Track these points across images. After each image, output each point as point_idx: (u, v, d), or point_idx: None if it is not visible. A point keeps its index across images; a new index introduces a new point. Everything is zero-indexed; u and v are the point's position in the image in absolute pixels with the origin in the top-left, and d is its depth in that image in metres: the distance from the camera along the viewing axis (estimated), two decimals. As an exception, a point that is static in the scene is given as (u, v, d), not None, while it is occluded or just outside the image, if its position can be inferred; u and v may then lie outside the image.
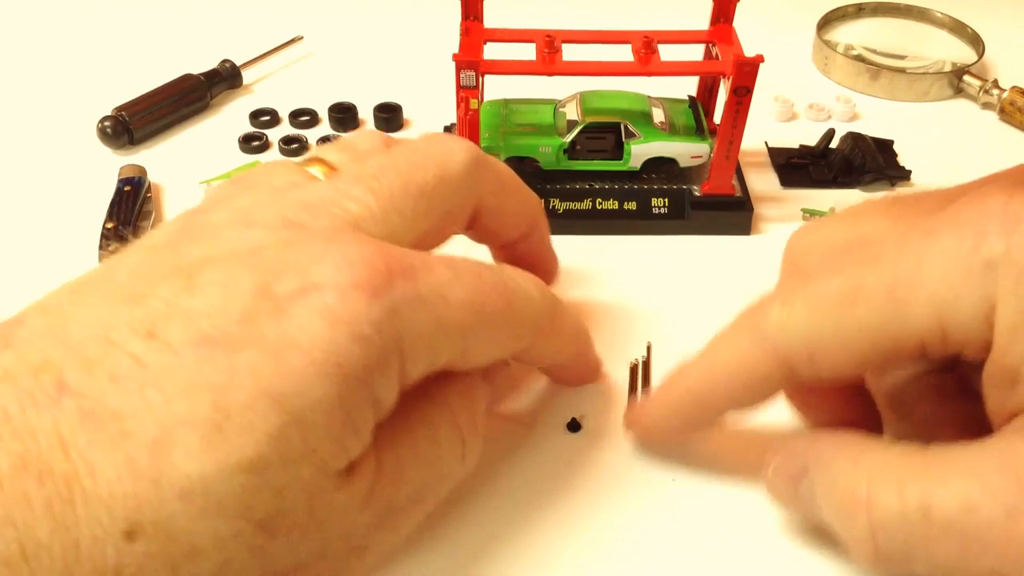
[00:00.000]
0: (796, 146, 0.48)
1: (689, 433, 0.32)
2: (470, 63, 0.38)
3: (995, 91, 0.51)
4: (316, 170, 0.28)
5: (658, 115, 0.42)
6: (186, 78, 0.50)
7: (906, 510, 0.23)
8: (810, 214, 0.43)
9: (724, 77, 0.40)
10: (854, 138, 0.47)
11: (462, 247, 0.33)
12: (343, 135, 0.27)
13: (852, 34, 0.58)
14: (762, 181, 0.46)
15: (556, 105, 0.43)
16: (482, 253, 0.35)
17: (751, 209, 0.42)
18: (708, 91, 0.45)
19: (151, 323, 0.21)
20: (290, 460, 0.21)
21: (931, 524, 0.22)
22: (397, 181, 0.27)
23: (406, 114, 0.51)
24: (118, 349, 0.21)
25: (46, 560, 0.19)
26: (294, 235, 0.24)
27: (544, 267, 0.34)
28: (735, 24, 0.41)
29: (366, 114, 0.50)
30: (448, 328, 0.24)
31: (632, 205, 0.42)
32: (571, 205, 0.42)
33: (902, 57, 0.56)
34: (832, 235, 0.28)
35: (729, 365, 0.28)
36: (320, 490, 0.22)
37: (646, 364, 0.34)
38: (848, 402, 0.29)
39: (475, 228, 0.31)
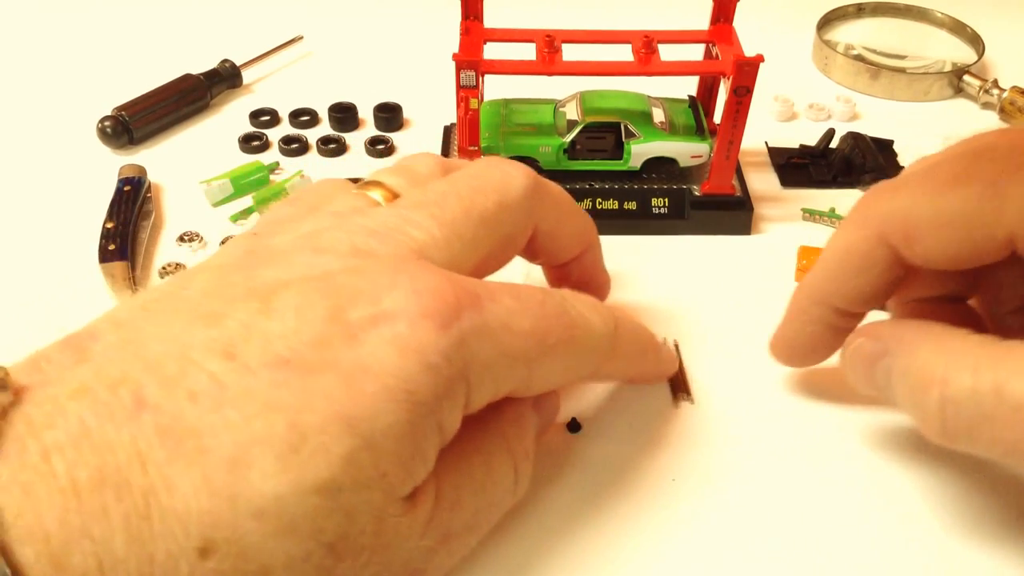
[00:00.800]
0: (796, 146, 0.48)
1: (824, 347, 0.32)
2: (470, 63, 0.38)
3: (995, 91, 0.51)
4: (376, 194, 0.28)
5: (658, 115, 0.42)
6: (186, 78, 0.50)
7: (979, 389, 0.24)
8: (810, 214, 0.43)
9: (724, 77, 0.40)
10: (854, 138, 0.47)
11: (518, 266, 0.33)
12: (401, 157, 0.28)
13: (852, 34, 0.58)
14: (762, 181, 0.46)
15: (556, 105, 0.43)
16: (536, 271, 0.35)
17: (751, 209, 0.42)
18: (708, 91, 0.45)
19: (229, 343, 0.21)
20: (361, 483, 0.21)
21: (1002, 404, 0.24)
22: (459, 208, 0.27)
23: (406, 114, 0.51)
24: (197, 368, 0.21)
25: (122, 574, 0.19)
26: (363, 263, 0.24)
27: (597, 286, 0.35)
28: (735, 24, 0.41)
29: (366, 114, 0.50)
30: (513, 357, 0.25)
31: (632, 205, 0.42)
32: (571, 205, 0.42)
33: (902, 57, 0.56)
34: (948, 150, 0.29)
35: (838, 253, 0.29)
36: (387, 515, 0.22)
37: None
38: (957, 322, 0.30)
39: (532, 250, 0.32)
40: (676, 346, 0.36)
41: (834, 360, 0.34)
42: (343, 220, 0.26)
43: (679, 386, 0.35)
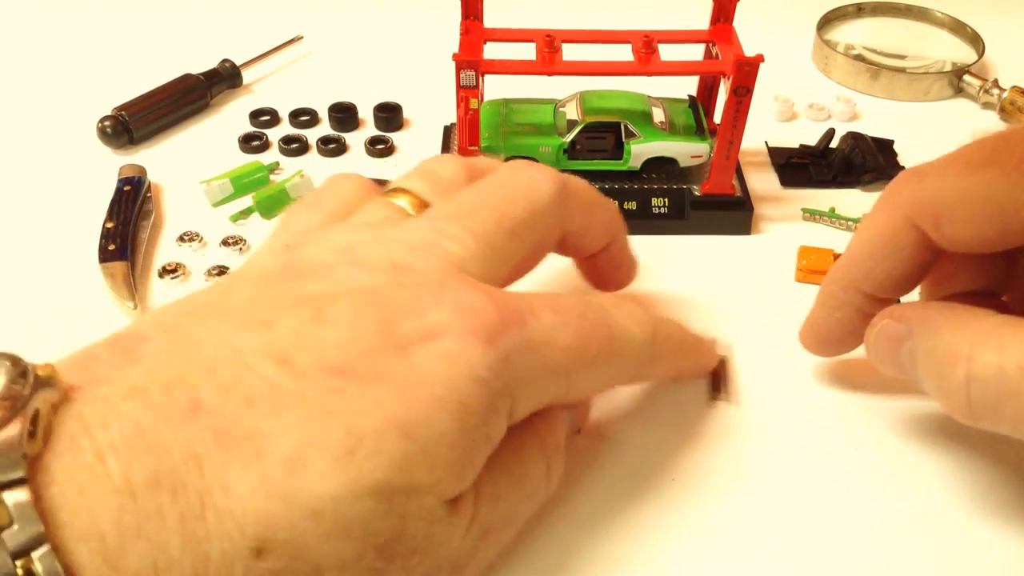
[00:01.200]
0: (796, 146, 0.48)
1: (852, 334, 0.32)
2: (470, 63, 0.38)
3: (995, 91, 0.51)
4: (403, 201, 0.28)
5: (658, 115, 0.42)
6: (186, 78, 0.50)
7: (1005, 366, 0.24)
8: (810, 214, 0.43)
9: (724, 77, 0.40)
10: (854, 138, 0.47)
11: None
12: (422, 160, 0.28)
13: (852, 34, 0.58)
14: (762, 181, 0.46)
15: (556, 105, 0.43)
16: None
17: (751, 209, 0.42)
18: (708, 91, 0.45)
19: (283, 350, 0.22)
20: (415, 488, 0.21)
21: None
22: (491, 218, 0.27)
23: (406, 114, 0.51)
24: (252, 372, 0.21)
25: (177, 574, 0.19)
26: (407, 278, 0.25)
27: (625, 271, 0.35)
28: (735, 24, 0.41)
29: (366, 114, 0.50)
30: (555, 371, 0.25)
31: (632, 205, 0.42)
32: (571, 205, 0.42)
33: (902, 57, 0.56)
34: (977, 139, 0.29)
35: (866, 238, 0.30)
36: (437, 518, 0.23)
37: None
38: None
39: (561, 247, 0.32)
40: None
41: (838, 357, 0.35)
42: (378, 232, 0.27)
43: (718, 385, 0.35)
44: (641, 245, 0.42)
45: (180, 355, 0.22)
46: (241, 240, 0.41)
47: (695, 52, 0.43)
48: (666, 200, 0.42)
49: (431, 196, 0.29)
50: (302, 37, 0.57)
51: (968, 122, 0.52)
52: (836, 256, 0.40)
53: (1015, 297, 0.31)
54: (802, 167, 0.47)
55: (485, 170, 0.30)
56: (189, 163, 0.47)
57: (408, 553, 0.22)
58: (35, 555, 0.18)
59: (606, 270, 0.34)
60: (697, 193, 0.42)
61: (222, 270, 0.40)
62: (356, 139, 0.49)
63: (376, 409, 0.21)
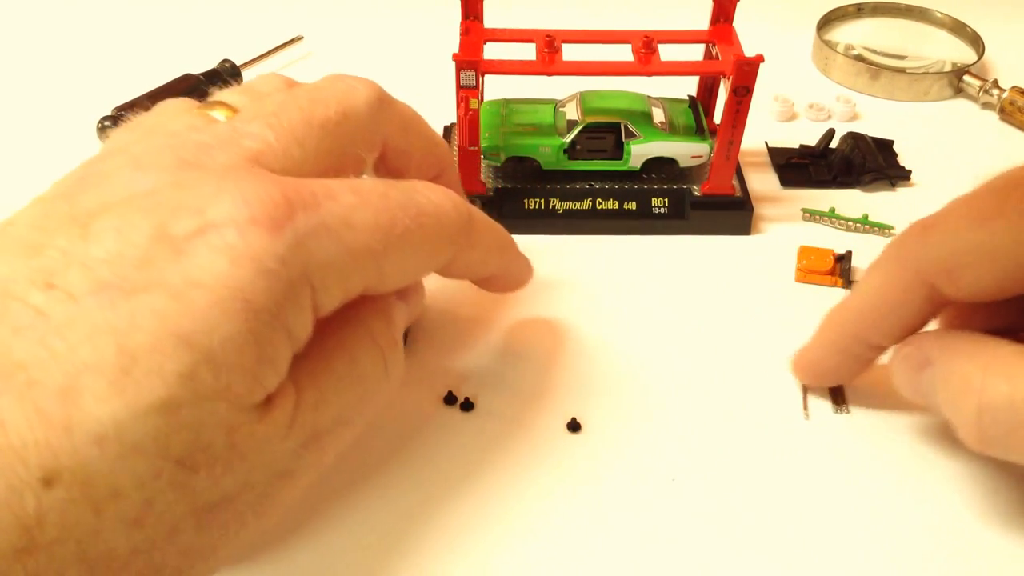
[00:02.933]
0: (796, 146, 0.48)
1: (849, 373, 0.33)
2: (470, 63, 0.38)
3: (995, 91, 0.51)
4: (218, 113, 0.28)
5: (658, 115, 0.42)
6: (186, 78, 0.50)
7: (1015, 397, 0.24)
8: (810, 214, 0.43)
9: (724, 77, 0.40)
10: (854, 138, 0.47)
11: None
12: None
13: (852, 34, 0.58)
14: (762, 181, 0.46)
15: (556, 105, 0.43)
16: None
17: (751, 209, 0.42)
18: (708, 91, 0.45)
19: (49, 273, 0.21)
20: (203, 397, 0.21)
21: None
22: (298, 117, 0.26)
23: (406, 114, 0.50)
24: (18, 301, 0.21)
25: None
26: (189, 176, 0.24)
27: None
28: (735, 24, 0.41)
29: (366, 114, 0.50)
30: (358, 254, 0.24)
31: (632, 205, 0.42)
32: (571, 205, 0.42)
33: (902, 57, 0.56)
34: (983, 185, 0.29)
35: (874, 293, 0.30)
36: (239, 424, 0.22)
37: None
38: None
39: (384, 171, 0.31)
40: None
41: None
42: (175, 138, 0.26)
43: (838, 396, 0.34)
44: (641, 245, 0.42)
45: None
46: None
47: (695, 52, 0.43)
48: (666, 200, 0.42)
49: (245, 106, 0.28)
50: (302, 37, 0.57)
51: (968, 122, 0.52)
52: (836, 256, 0.40)
53: None
54: (802, 167, 0.47)
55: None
56: (189, 163, 0.47)
57: (211, 462, 0.22)
58: None
59: None
60: (697, 193, 0.42)
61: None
62: (356, 139, 0.49)
63: (150, 322, 0.20)
